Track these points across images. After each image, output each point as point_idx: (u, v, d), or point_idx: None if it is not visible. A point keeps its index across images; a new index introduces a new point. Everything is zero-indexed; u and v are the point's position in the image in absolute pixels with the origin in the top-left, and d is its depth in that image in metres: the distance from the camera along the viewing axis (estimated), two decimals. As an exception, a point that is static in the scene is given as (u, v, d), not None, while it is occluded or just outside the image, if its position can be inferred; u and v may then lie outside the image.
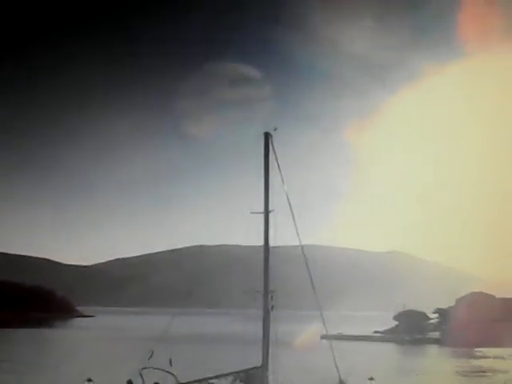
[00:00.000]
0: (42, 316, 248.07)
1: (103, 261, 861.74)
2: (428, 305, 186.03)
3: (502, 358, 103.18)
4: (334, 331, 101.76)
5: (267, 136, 33.96)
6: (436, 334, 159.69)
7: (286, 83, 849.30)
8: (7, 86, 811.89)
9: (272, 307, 33.17)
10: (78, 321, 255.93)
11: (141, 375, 31.67)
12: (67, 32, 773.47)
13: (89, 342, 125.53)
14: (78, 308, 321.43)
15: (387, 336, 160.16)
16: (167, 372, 31.75)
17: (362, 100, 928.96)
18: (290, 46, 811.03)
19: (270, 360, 32.93)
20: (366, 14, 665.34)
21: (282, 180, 33.22)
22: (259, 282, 33.41)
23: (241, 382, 33.39)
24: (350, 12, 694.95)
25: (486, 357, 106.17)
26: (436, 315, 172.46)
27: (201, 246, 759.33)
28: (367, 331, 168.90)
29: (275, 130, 34.20)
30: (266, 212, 33.27)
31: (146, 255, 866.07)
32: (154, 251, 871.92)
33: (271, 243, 33.37)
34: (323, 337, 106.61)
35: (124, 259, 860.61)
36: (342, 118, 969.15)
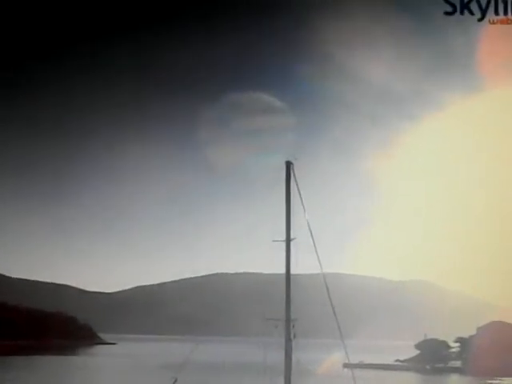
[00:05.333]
0: (64, 343, 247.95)
1: (125, 288, 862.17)
2: (449, 333, 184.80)
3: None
4: (355, 360, 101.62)
5: (289, 165, 34.41)
6: (457, 363, 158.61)
7: (308, 113, 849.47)
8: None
9: (294, 336, 33.44)
10: (100, 348, 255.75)
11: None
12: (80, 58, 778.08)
13: (111, 370, 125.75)
14: (100, 335, 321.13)
15: (408, 365, 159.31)
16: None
17: (383, 130, 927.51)
18: (312, 77, 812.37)
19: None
20: (386, 45, 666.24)
21: (304, 208, 33.58)
22: (281, 310, 33.72)
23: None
24: (371, 43, 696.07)
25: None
26: (457, 344, 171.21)
27: (222, 274, 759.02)
28: (388, 360, 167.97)
29: (296, 159, 34.68)
30: (288, 240, 33.47)
31: (167, 283, 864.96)
32: (176, 279, 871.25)
33: (293, 271, 33.71)
34: (345, 365, 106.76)
35: (145, 286, 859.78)
36: (362, 147, 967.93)
